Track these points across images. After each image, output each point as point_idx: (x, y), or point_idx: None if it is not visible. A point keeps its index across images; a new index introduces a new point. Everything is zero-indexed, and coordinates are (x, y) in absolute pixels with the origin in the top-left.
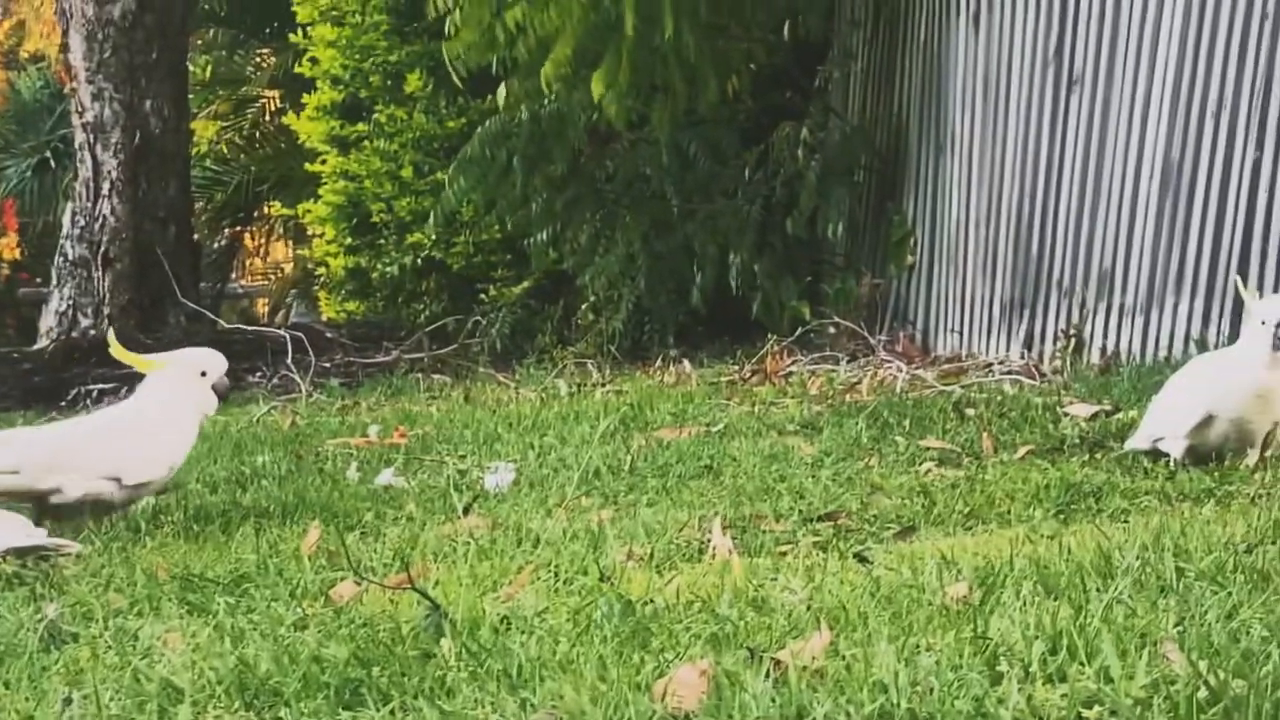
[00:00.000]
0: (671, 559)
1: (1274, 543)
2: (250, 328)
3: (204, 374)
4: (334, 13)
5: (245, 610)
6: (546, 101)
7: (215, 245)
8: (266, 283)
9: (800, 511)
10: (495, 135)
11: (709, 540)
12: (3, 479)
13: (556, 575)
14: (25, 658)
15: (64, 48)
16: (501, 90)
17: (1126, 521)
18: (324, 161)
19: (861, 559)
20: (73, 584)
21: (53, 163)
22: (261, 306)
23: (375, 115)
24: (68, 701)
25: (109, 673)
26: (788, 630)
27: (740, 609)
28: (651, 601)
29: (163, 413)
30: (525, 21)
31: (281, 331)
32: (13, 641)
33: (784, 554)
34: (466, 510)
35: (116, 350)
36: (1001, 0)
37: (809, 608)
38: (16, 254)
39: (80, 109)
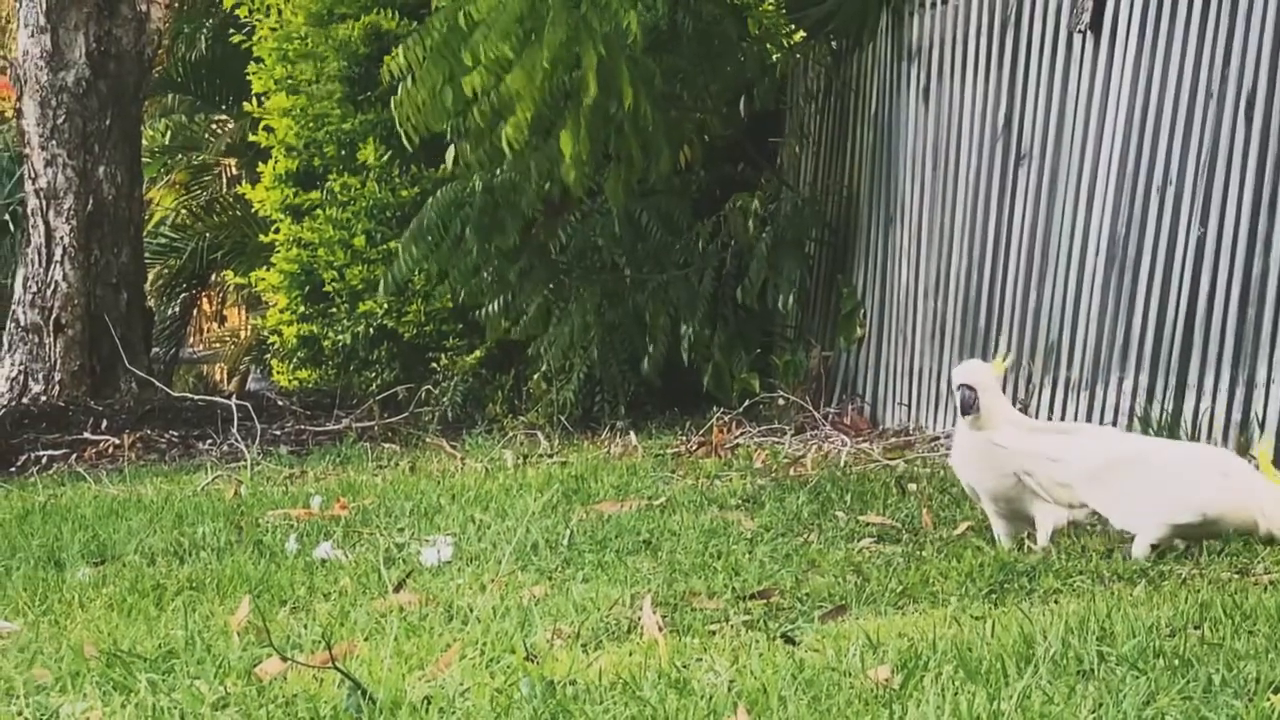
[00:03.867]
0: (599, 638)
1: (1197, 627)
2: (199, 396)
3: None
4: (289, 81)
5: (169, 689)
6: (499, 171)
7: (169, 312)
8: (222, 349)
9: (734, 589)
10: (448, 204)
11: (639, 618)
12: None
13: (483, 653)
14: None
15: (18, 113)
16: (450, 153)
17: (1057, 603)
18: (278, 230)
19: (788, 639)
20: None
21: (11, 226)
22: (218, 373)
23: (329, 183)
24: None
25: None
26: (707, 714)
27: (662, 691)
28: (574, 682)
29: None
30: (484, 86)
31: (230, 400)
32: None
33: (713, 633)
34: (399, 586)
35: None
36: (951, 73)
37: (730, 689)
38: None
39: (33, 174)
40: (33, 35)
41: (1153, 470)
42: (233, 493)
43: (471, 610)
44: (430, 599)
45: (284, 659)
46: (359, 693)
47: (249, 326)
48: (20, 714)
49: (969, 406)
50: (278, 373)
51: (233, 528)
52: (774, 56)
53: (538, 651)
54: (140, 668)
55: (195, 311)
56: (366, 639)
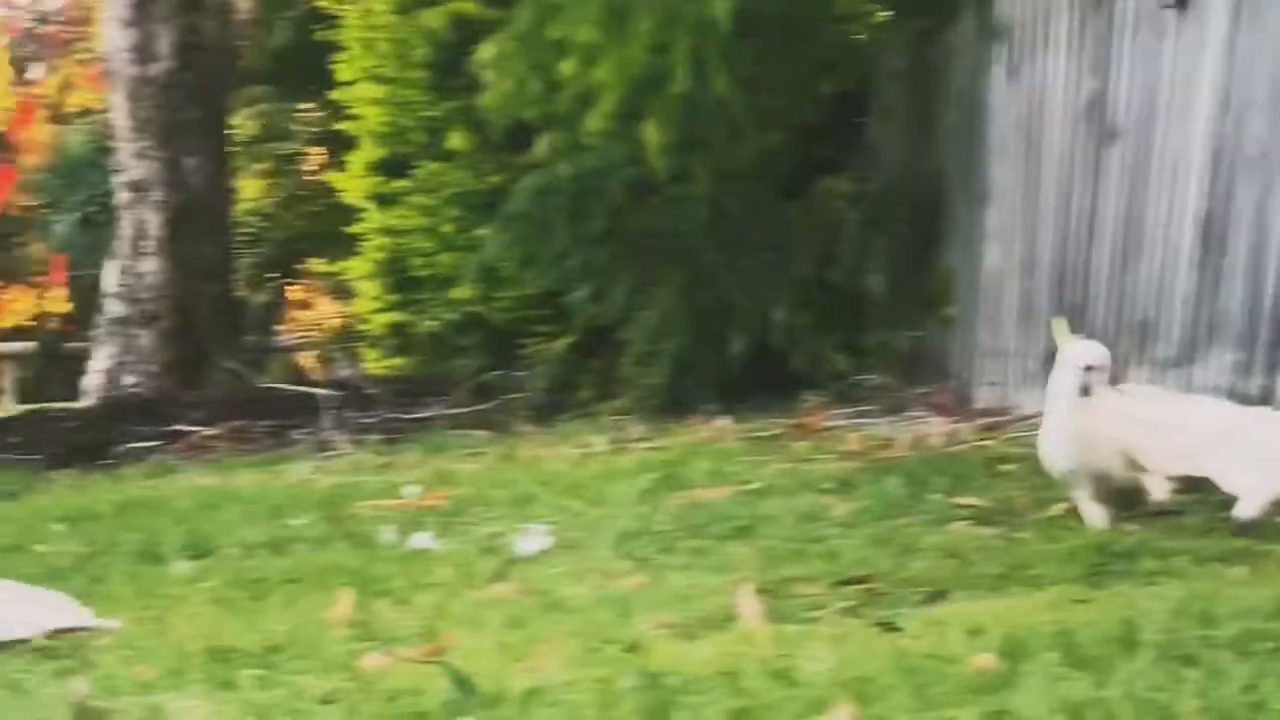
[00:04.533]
0: (699, 627)
1: None
2: (290, 386)
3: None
4: (375, 69)
5: (272, 684)
6: (585, 157)
7: (258, 302)
8: (311, 337)
9: (831, 575)
10: (535, 191)
11: (738, 606)
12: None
13: (583, 645)
14: None
15: (107, 107)
16: (540, 143)
17: (1157, 585)
18: (366, 218)
19: (889, 626)
20: (103, 657)
21: (100, 217)
22: (307, 361)
23: (416, 171)
24: None
25: None
26: (811, 704)
27: (764, 681)
28: (677, 673)
29: None
30: (570, 74)
31: (321, 389)
32: (44, 718)
33: (812, 621)
34: (497, 577)
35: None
36: (1039, 51)
37: (834, 680)
38: (66, 308)
39: (123, 167)
40: (120, 29)
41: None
42: (327, 483)
43: (571, 601)
44: (528, 589)
45: (387, 652)
46: (463, 685)
47: (337, 315)
48: (126, 712)
49: (1091, 388)
50: (367, 361)
51: (328, 519)
52: (859, 37)
53: (638, 642)
54: (243, 663)
55: (283, 301)
56: (467, 631)
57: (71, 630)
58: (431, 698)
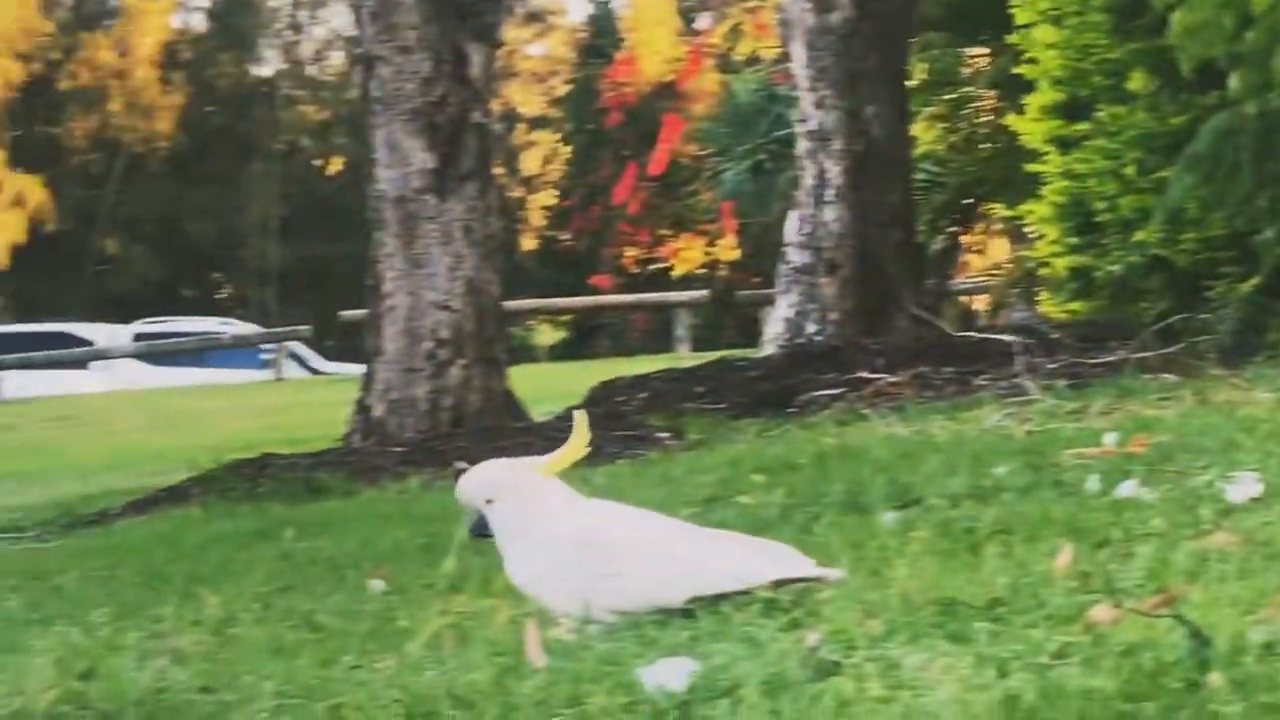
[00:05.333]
0: None
1: None
2: (974, 333)
3: None
4: (1054, 13)
5: (1003, 638)
6: (1274, 96)
7: (935, 247)
8: (983, 281)
9: None
10: (1220, 131)
11: None
12: None
13: None
14: (792, 689)
15: (785, 56)
16: (1232, 82)
17: None
18: (1045, 162)
19: None
20: (829, 610)
21: (768, 165)
22: (978, 305)
23: (1096, 114)
24: None
25: (875, 705)
26: None
27: None
28: None
29: None
30: (1265, 7)
31: (1008, 336)
32: (778, 671)
33: None
34: (1213, 526)
35: None
36: None
37: None
38: (734, 255)
39: (803, 117)
40: None
41: None
42: (1023, 431)
43: None
44: (1247, 539)
45: (1114, 605)
46: (1198, 639)
47: (1014, 259)
48: (861, 667)
49: None
50: (1047, 304)
51: (1030, 467)
52: None
53: None
54: (970, 616)
55: (959, 246)
56: (1190, 582)
57: (797, 580)
58: (1168, 651)
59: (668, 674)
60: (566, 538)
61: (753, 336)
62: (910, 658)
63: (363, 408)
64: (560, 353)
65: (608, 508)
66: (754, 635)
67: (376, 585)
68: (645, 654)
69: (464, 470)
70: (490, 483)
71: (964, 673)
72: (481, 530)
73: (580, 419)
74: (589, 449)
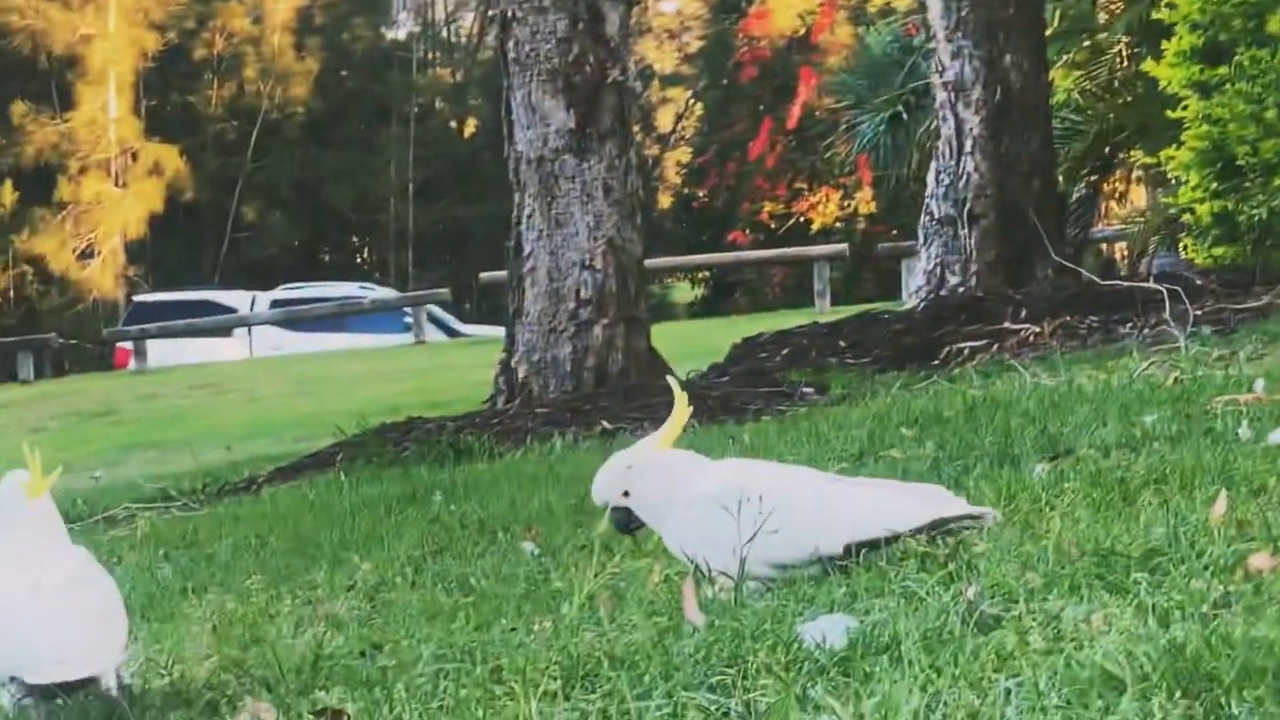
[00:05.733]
0: None
1: None
2: (1118, 282)
3: None
4: None
5: (1163, 588)
6: None
7: (1075, 195)
8: (1123, 228)
9: None
10: None
11: None
12: None
13: None
14: (953, 643)
15: (921, 6)
16: None
17: None
18: (1185, 107)
19: None
20: (986, 563)
21: (904, 116)
22: (1117, 252)
23: (1236, 57)
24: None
25: (1037, 658)
26: None
27: None
28: None
29: None
30: None
31: (1153, 284)
32: (937, 626)
33: None
34: None
35: None
36: None
37: None
38: (871, 207)
39: (940, 67)
40: None
41: None
42: (1171, 379)
43: None
44: None
45: (1276, 552)
46: None
47: (1154, 205)
48: (1022, 620)
49: None
50: (1190, 251)
51: (1180, 415)
52: None
53: None
54: (1127, 566)
55: (1099, 193)
56: None
57: (954, 520)
58: None
59: (827, 630)
60: (710, 497)
61: (890, 289)
62: (1070, 610)
63: (506, 369)
64: (698, 309)
65: (741, 464)
66: (912, 589)
67: (528, 547)
68: (804, 611)
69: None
70: (618, 479)
71: (1126, 624)
72: (628, 524)
73: (674, 385)
74: (691, 412)
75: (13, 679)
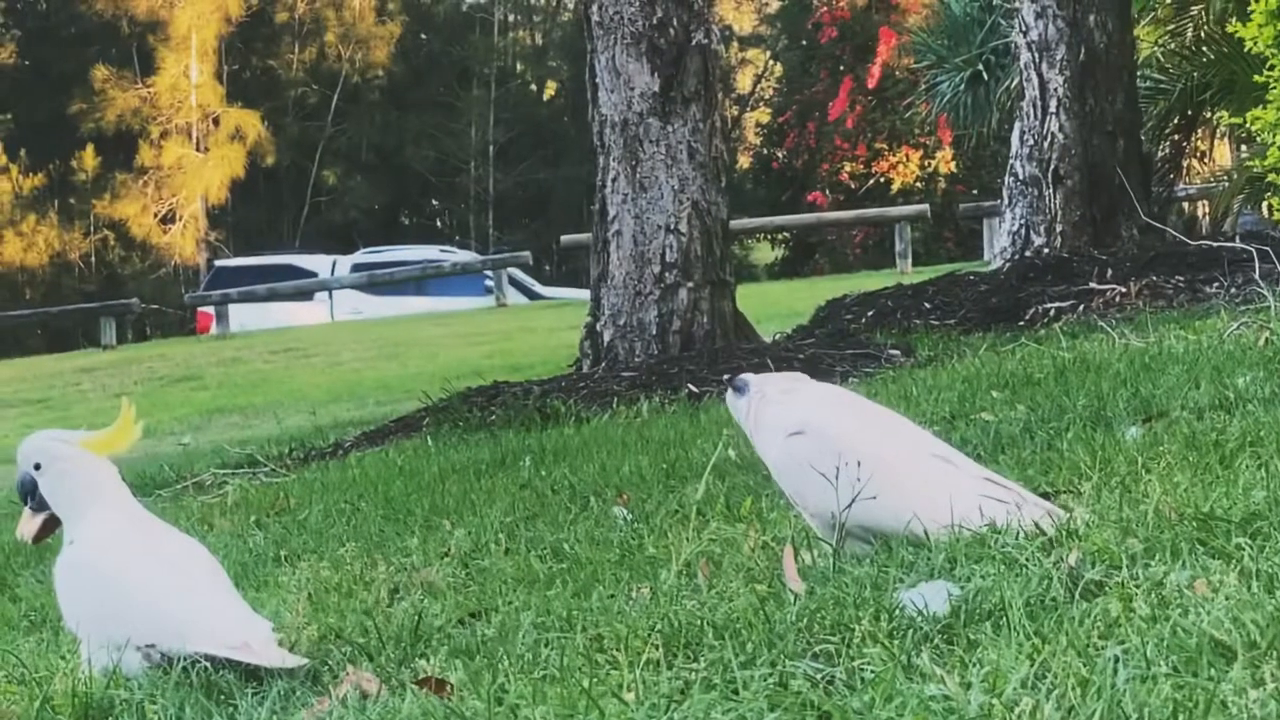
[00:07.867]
0: None
1: None
2: (1212, 242)
3: None
4: None
5: (1267, 553)
6: None
7: (1159, 155)
8: (1208, 187)
9: None
10: None
11: None
12: None
13: None
14: (1056, 610)
15: None
16: None
17: None
18: (1272, 67)
19: None
20: (1086, 529)
21: (984, 75)
22: (1200, 211)
23: None
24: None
25: (1145, 626)
26: None
27: None
28: None
29: None
30: None
31: (1241, 244)
32: (1040, 592)
33: None
34: None
35: None
36: None
37: None
38: (952, 167)
39: (1024, 28)
40: None
41: None
42: (1262, 340)
43: None
44: None
45: None
46: None
47: (1239, 165)
48: (1125, 586)
49: None
50: (1276, 211)
51: (1274, 376)
52: None
53: None
54: (1228, 531)
55: (1184, 153)
56: None
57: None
58: None
59: (930, 597)
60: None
61: (971, 250)
62: (1173, 575)
63: (592, 333)
64: (778, 271)
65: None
66: (1012, 555)
67: (620, 512)
68: (904, 577)
69: (733, 382)
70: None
71: (1231, 590)
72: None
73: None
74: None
75: (151, 645)
